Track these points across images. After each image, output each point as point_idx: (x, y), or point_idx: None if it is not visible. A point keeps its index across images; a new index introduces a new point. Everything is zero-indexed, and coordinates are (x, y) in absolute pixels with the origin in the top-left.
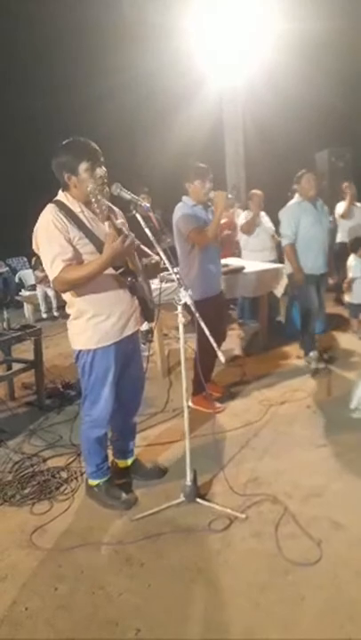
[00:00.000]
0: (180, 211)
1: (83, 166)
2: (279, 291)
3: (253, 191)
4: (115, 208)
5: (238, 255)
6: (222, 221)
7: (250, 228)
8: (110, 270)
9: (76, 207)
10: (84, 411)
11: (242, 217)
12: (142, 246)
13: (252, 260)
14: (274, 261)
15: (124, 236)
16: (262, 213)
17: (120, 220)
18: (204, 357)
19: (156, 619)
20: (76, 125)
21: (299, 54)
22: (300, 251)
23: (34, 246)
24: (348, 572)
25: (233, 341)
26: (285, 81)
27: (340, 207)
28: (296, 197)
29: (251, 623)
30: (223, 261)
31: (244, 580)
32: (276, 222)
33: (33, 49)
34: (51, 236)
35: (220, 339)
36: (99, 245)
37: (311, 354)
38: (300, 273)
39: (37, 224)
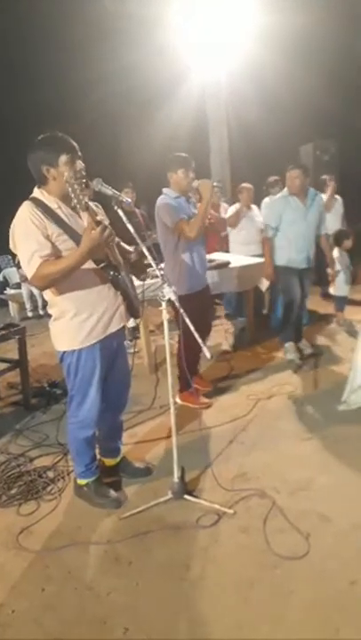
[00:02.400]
0: (162, 203)
1: (63, 159)
2: (264, 284)
3: (243, 185)
4: (95, 203)
5: (227, 249)
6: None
7: (235, 221)
8: (92, 265)
9: (53, 203)
10: (70, 412)
11: (230, 211)
12: (122, 243)
13: (240, 253)
14: (261, 255)
15: (102, 227)
16: (253, 207)
17: (99, 217)
18: (189, 353)
19: (144, 617)
20: (58, 119)
21: (282, 48)
22: (282, 244)
23: (11, 245)
24: (336, 564)
25: (220, 336)
26: (269, 74)
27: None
28: (284, 191)
29: (240, 618)
30: (209, 256)
31: (232, 575)
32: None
33: (14, 40)
34: (28, 233)
35: (205, 333)
36: (78, 241)
37: (287, 345)
38: (270, 268)
39: (14, 222)
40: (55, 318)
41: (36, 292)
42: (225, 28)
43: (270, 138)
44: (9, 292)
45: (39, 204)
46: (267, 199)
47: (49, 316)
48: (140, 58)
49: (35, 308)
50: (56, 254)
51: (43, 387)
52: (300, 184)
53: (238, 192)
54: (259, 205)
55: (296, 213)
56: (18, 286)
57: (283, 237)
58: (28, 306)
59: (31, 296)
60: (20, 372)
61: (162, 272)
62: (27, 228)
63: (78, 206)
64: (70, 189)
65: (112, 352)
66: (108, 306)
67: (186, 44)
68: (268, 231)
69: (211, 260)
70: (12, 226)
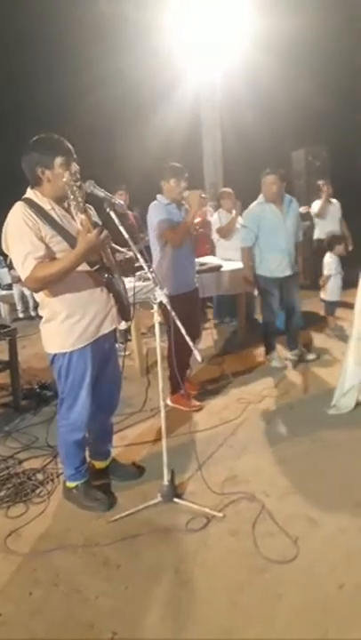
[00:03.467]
0: (154, 208)
1: (58, 161)
2: (255, 289)
3: (225, 189)
4: (88, 205)
5: (213, 253)
6: (196, 220)
7: (227, 233)
8: (86, 267)
9: (47, 204)
10: (61, 414)
11: (215, 217)
12: (113, 244)
13: (227, 258)
14: None
15: (100, 229)
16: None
17: (93, 220)
18: (180, 355)
19: (132, 621)
20: (53, 121)
21: (276, 53)
22: (261, 253)
23: (3, 246)
24: (324, 568)
25: (211, 340)
26: (263, 79)
27: (316, 205)
28: (259, 198)
29: (229, 621)
30: (201, 260)
31: (221, 579)
32: None
33: (10, 42)
34: (21, 234)
35: (194, 336)
36: (72, 243)
37: (271, 353)
38: (250, 276)
39: (6, 223)
40: (46, 320)
41: (27, 293)
42: (220, 31)
43: (263, 142)
44: (0, 292)
45: (32, 204)
46: None
47: (40, 317)
48: (136, 60)
49: (26, 310)
50: (50, 256)
51: (33, 388)
52: (276, 190)
53: (220, 197)
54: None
55: (273, 220)
56: (9, 287)
57: (262, 246)
58: (19, 307)
59: (22, 297)
60: (10, 374)
61: (153, 275)
62: (20, 230)
63: (76, 208)
64: (70, 191)
65: (103, 354)
66: (100, 308)
67: (181, 47)
68: (247, 240)
69: (203, 264)
70: (4, 227)
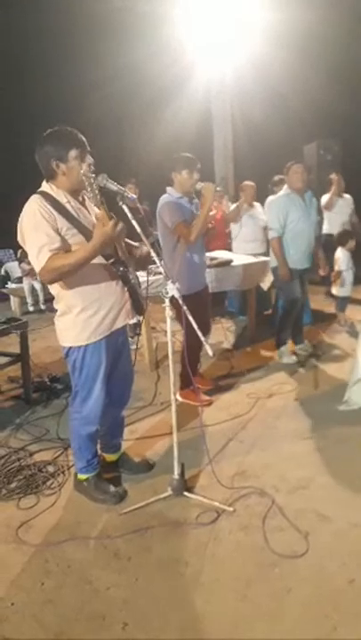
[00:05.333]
0: (164, 202)
1: (72, 153)
2: (266, 284)
3: (246, 182)
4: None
5: (230, 247)
6: (211, 213)
7: (235, 216)
8: (101, 260)
9: (62, 197)
10: (74, 407)
11: (233, 208)
12: (126, 239)
13: (243, 250)
14: (264, 254)
15: (115, 221)
16: (257, 205)
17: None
18: (192, 351)
19: (143, 612)
20: (64, 115)
21: (287, 46)
22: (286, 244)
23: (19, 238)
24: (334, 563)
25: (221, 334)
26: (274, 73)
27: (325, 199)
28: (284, 189)
29: (238, 615)
30: (211, 254)
31: (231, 573)
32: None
33: (20, 39)
34: (37, 226)
35: (204, 332)
36: (87, 235)
37: (283, 348)
38: (285, 267)
39: (22, 215)
40: (61, 314)
41: (37, 286)
42: (231, 26)
43: (274, 136)
44: (10, 286)
45: (48, 197)
46: (271, 197)
47: (53, 310)
48: (147, 55)
49: (36, 303)
50: (65, 248)
51: (43, 381)
52: (303, 180)
53: (241, 190)
54: (263, 204)
55: (301, 210)
56: (19, 280)
57: (287, 236)
58: (29, 300)
59: (32, 290)
60: (21, 366)
61: (165, 268)
62: (36, 222)
63: (93, 200)
64: (87, 183)
65: (117, 348)
66: (115, 302)
67: (192, 41)
68: (272, 232)
69: (213, 258)
70: (20, 219)
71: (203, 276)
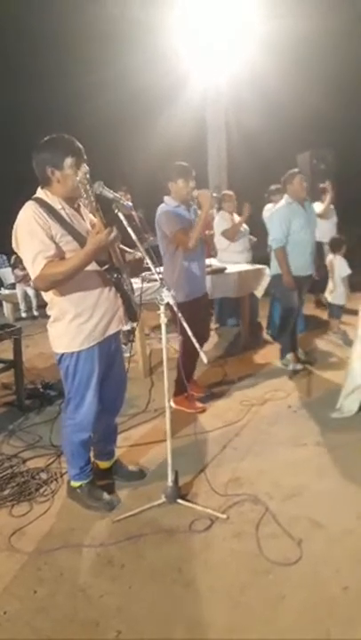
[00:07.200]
0: (162, 212)
1: (68, 161)
2: (260, 291)
3: (226, 192)
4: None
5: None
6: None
7: (234, 235)
8: (95, 267)
9: (57, 204)
10: (67, 414)
11: (217, 219)
12: (121, 245)
13: (235, 262)
14: (250, 263)
15: (110, 229)
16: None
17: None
18: (187, 358)
19: (136, 620)
20: (58, 122)
21: (282, 55)
22: (289, 253)
23: (13, 245)
24: (328, 570)
25: (214, 342)
26: (268, 82)
27: (318, 207)
28: (285, 198)
29: (231, 623)
30: (206, 261)
31: (225, 580)
32: (257, 223)
33: (15, 45)
34: (32, 233)
35: (203, 340)
36: (82, 242)
37: (288, 356)
38: (289, 276)
39: (17, 222)
40: (54, 319)
41: (30, 292)
42: (226, 34)
43: (268, 145)
44: (3, 292)
45: (43, 204)
46: (270, 206)
47: (46, 317)
48: (142, 63)
49: (29, 309)
50: (60, 255)
51: (37, 388)
52: (304, 189)
53: (222, 200)
54: (260, 213)
55: (303, 219)
56: (12, 286)
57: (290, 245)
58: (22, 306)
59: (25, 297)
60: (14, 373)
61: (160, 275)
62: (31, 228)
63: (88, 207)
64: (83, 190)
65: (110, 354)
66: (108, 308)
67: (187, 50)
68: (276, 242)
69: (207, 266)
70: (15, 225)
71: (203, 283)
